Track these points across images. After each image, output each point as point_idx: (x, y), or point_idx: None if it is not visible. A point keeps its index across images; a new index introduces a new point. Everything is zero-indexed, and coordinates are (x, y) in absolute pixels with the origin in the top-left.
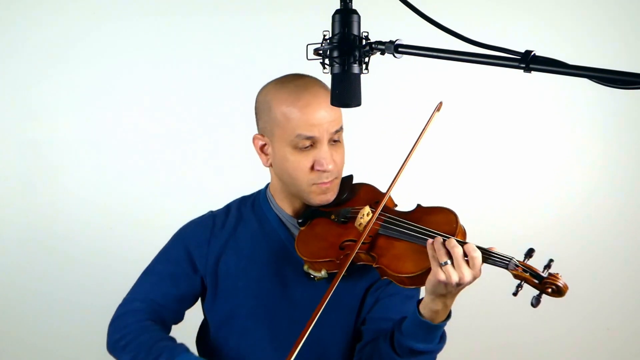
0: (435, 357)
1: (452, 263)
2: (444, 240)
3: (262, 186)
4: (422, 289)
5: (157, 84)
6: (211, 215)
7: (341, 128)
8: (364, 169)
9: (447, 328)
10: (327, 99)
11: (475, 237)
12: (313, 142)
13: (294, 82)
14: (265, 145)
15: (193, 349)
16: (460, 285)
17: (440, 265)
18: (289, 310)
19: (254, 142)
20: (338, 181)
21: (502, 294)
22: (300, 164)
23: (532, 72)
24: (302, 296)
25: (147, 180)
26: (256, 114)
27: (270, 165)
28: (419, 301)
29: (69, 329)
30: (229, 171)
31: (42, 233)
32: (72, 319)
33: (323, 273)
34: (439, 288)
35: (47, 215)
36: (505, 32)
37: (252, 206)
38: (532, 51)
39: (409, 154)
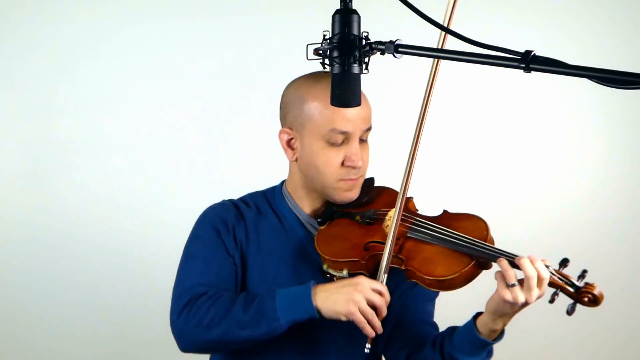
0: None
1: (521, 284)
2: (513, 260)
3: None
4: None
5: (158, 85)
6: (231, 203)
7: (370, 127)
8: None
9: None
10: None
11: None
12: (346, 138)
13: (327, 78)
14: (292, 139)
15: None
16: (526, 305)
17: (508, 286)
18: None
19: (279, 136)
20: (362, 180)
21: None
22: (331, 159)
23: (532, 72)
24: None
25: (151, 181)
26: (283, 108)
27: (296, 160)
28: (475, 318)
29: (71, 329)
30: (234, 171)
31: (47, 233)
32: (75, 318)
33: (344, 273)
34: (502, 308)
35: (53, 214)
36: (505, 32)
37: (268, 202)
38: (532, 51)
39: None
